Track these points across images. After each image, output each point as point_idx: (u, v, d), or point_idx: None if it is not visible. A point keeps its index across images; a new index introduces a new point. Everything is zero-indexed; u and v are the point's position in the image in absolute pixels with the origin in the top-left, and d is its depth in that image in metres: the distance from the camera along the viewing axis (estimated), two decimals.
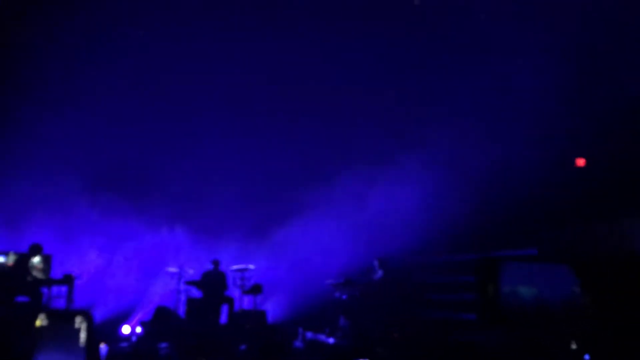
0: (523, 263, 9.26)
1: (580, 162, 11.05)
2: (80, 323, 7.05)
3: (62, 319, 7.31)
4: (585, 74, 10.12)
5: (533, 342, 7.97)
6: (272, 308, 11.96)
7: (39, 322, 7.13)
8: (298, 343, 10.08)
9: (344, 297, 10.95)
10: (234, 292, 11.27)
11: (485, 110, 11.14)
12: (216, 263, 11.38)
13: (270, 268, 12.24)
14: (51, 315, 7.41)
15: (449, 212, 10.88)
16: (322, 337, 10.56)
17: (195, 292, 11.23)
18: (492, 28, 10.99)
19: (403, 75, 12.04)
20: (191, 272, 11.45)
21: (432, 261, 11.98)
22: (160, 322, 10.20)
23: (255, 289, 11.19)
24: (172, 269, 11.45)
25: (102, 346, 7.62)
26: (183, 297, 11.19)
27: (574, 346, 7.89)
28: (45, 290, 10.21)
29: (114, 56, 11.84)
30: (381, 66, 12.12)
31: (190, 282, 11.20)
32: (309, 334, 10.52)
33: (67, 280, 10.31)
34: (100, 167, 12.07)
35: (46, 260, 10.60)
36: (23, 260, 10.27)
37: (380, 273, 11.15)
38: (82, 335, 7.20)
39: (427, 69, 11.80)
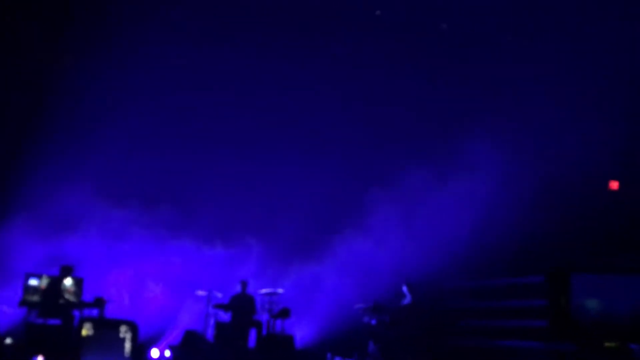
0: (593, 275, 9.09)
1: (614, 185, 10.89)
2: (125, 332, 7.07)
3: (107, 328, 7.32)
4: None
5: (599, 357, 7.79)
6: (300, 332, 11.87)
7: (84, 331, 7.15)
8: None
9: (373, 322, 10.82)
10: (262, 316, 11.23)
11: (533, 128, 11.00)
12: (244, 284, 11.38)
13: (299, 292, 12.18)
14: (96, 324, 7.45)
15: (486, 235, 10.74)
16: None
17: (224, 316, 11.23)
18: (538, 42, 10.98)
19: (456, 91, 11.88)
20: (220, 296, 11.46)
21: (466, 286, 11.78)
22: (189, 346, 10.21)
23: (284, 313, 11.13)
24: (201, 292, 11.48)
25: None
26: (212, 321, 11.19)
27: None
28: (77, 313, 10.32)
29: (162, 71, 11.96)
30: (428, 87, 11.95)
31: (218, 306, 11.20)
32: (338, 359, 10.41)
33: (98, 303, 10.41)
34: (132, 188, 12.16)
35: (78, 283, 10.73)
36: (55, 283, 10.42)
37: (409, 298, 10.99)
38: (127, 345, 7.21)
39: (473, 84, 11.63)
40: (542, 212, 10.42)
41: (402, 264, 11.46)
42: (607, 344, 8.28)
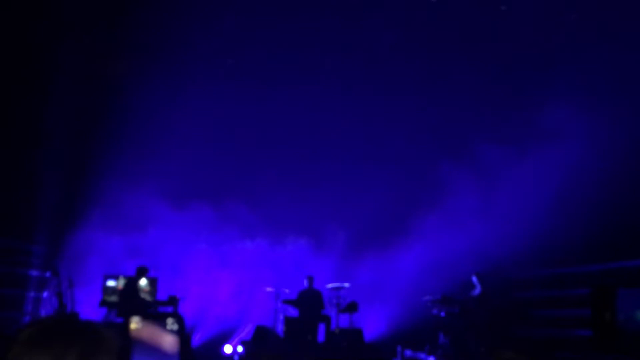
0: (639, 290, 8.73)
1: None
2: (172, 325, 7.26)
3: (155, 321, 7.54)
4: None
5: None
6: (369, 326, 11.88)
7: (133, 325, 7.40)
8: None
9: (442, 314, 10.70)
10: (330, 311, 11.31)
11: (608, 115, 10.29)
12: (310, 279, 11.49)
13: (365, 286, 12.17)
14: (145, 318, 7.70)
15: (554, 224, 10.33)
16: (421, 355, 10.36)
17: (293, 311, 11.39)
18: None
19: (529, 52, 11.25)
20: (287, 292, 11.63)
21: (535, 275, 11.44)
22: (260, 341, 10.42)
23: (351, 307, 11.18)
24: (269, 289, 11.68)
25: None
26: (281, 316, 11.37)
27: None
28: (152, 311, 10.71)
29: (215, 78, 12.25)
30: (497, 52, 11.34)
31: (287, 301, 11.37)
32: (408, 352, 10.35)
33: (172, 301, 10.78)
34: (202, 189, 12.46)
35: (152, 282, 11.14)
36: (131, 283, 10.86)
37: (479, 289, 10.80)
38: (175, 338, 7.38)
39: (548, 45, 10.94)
40: (605, 203, 9.62)
41: (474, 254, 11.17)
42: None
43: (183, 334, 7.78)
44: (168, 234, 12.37)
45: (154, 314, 9.45)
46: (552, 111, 10.46)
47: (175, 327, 7.54)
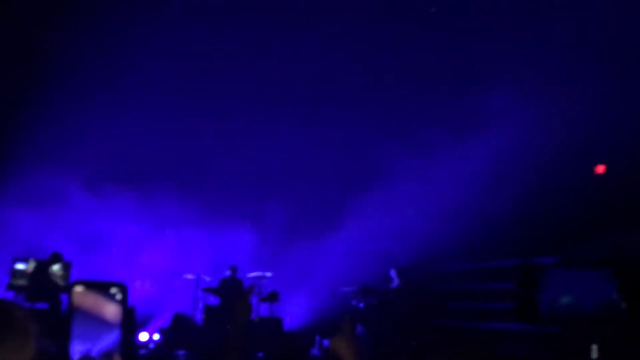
0: (562, 270, 9.15)
1: (600, 169, 10.81)
2: (115, 294, 7.02)
3: (98, 290, 7.27)
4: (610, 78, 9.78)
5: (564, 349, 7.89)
6: (289, 316, 11.93)
7: (74, 291, 7.12)
8: (315, 351, 10.04)
9: (360, 305, 10.89)
10: (251, 300, 11.23)
11: (517, 115, 10.59)
12: (234, 269, 11.39)
13: (287, 275, 12.20)
14: (87, 285, 7.41)
15: (469, 219, 10.69)
16: None
17: (213, 300, 11.25)
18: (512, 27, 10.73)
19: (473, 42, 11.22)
20: (208, 280, 11.47)
21: (452, 269, 11.85)
22: (178, 329, 10.23)
23: (272, 297, 11.18)
24: (189, 276, 11.48)
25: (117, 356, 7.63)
26: (200, 305, 11.21)
27: (594, 354, 7.76)
28: (64, 297, 10.29)
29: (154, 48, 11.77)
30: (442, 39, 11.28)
31: (207, 289, 11.22)
32: (326, 342, 10.47)
33: None
34: (121, 168, 12.03)
35: (65, 267, 10.69)
36: (43, 267, 10.38)
37: (397, 281, 11.07)
38: (118, 307, 7.14)
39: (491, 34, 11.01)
40: (521, 199, 9.95)
41: (401, 244, 11.30)
42: None
43: (126, 304, 7.55)
44: (85, 218, 11.90)
45: (97, 282, 9.09)
46: (492, 98, 10.54)
47: (119, 296, 7.26)
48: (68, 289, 8.71)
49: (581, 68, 9.89)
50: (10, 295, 10.44)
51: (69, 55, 11.15)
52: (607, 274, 8.54)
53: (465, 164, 11.00)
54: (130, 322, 8.17)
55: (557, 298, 8.78)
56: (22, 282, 10.46)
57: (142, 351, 9.75)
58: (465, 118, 11.15)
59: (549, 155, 9.99)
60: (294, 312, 12.19)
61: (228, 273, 11.37)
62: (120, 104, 11.72)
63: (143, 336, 10.30)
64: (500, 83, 10.62)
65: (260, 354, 9.33)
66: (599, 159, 10.29)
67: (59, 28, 11.18)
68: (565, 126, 9.80)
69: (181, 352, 9.48)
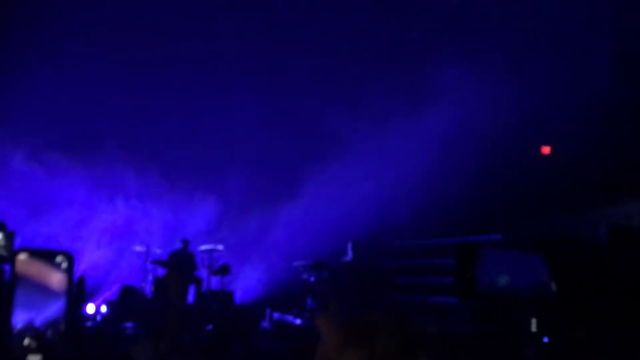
0: (500, 251, 9.32)
1: (546, 149, 11.09)
2: (61, 262, 6.86)
3: (42, 258, 7.08)
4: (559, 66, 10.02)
5: (501, 327, 8.13)
6: (240, 289, 11.96)
7: (18, 259, 6.91)
8: (265, 323, 10.12)
9: (311, 279, 10.99)
10: (202, 273, 11.22)
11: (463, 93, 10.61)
12: (186, 243, 11.30)
13: (239, 248, 12.18)
14: (31, 253, 7.20)
15: (420, 197, 10.81)
16: (289, 318, 10.60)
17: (163, 272, 11.14)
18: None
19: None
20: (158, 252, 11.35)
21: (403, 245, 12.05)
22: (126, 301, 10.10)
23: (223, 270, 11.15)
24: (139, 248, 11.32)
25: None
26: (150, 277, 11.09)
27: (533, 328, 8.06)
28: (7, 267, 9.98)
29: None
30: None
31: (157, 262, 11.09)
32: (277, 315, 10.56)
33: None
34: (71, 133, 11.65)
35: (9, 236, 10.34)
36: None
37: (350, 255, 11.20)
38: (63, 275, 6.97)
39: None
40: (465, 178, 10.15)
41: (356, 218, 11.31)
42: None
43: (72, 273, 7.38)
44: (31, 185, 11.54)
45: (42, 250, 8.90)
46: (447, 70, 10.59)
47: (65, 265, 7.07)
48: (11, 257, 8.43)
49: (535, 45, 10.08)
50: None
51: (15, 20, 10.69)
52: (545, 256, 8.79)
53: (419, 136, 11.10)
54: (80, 292, 8.01)
55: (495, 278, 8.99)
56: None
57: (89, 323, 9.60)
58: (421, 90, 11.19)
59: (499, 132, 10.10)
60: (247, 286, 12.22)
61: (179, 246, 11.27)
62: (69, 71, 11.33)
63: (90, 308, 10.15)
64: (455, 55, 10.73)
65: (209, 327, 9.33)
66: (546, 139, 10.57)
67: None
68: (516, 102, 10.00)
69: (129, 324, 9.38)
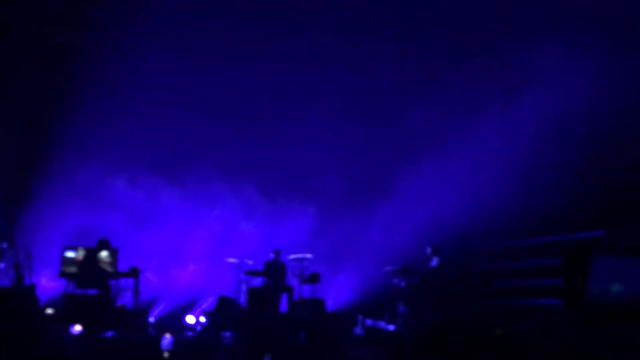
0: (614, 257, 8.69)
1: None
2: None
3: None
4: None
5: (617, 339, 7.59)
6: (331, 297, 12.03)
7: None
8: (358, 330, 10.12)
9: (402, 284, 10.90)
10: (293, 282, 11.40)
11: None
12: (277, 252, 11.54)
13: (329, 256, 12.26)
14: None
15: (512, 195, 10.35)
16: (381, 324, 10.56)
17: (256, 282, 11.44)
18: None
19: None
20: (250, 263, 11.65)
21: (496, 246, 11.67)
22: (223, 311, 10.46)
23: (314, 278, 11.29)
24: (232, 260, 11.67)
25: (167, 336, 7.87)
26: (244, 287, 11.40)
27: None
28: (113, 282, 10.63)
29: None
30: None
31: (251, 272, 11.42)
32: (369, 321, 10.54)
33: (133, 273, 10.73)
34: (167, 156, 12.31)
35: (113, 253, 11.02)
36: (91, 254, 10.73)
37: (435, 260, 11.00)
38: None
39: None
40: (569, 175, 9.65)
41: (439, 222, 11.06)
42: None
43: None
44: (128, 204, 12.22)
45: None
46: (541, 55, 10.08)
47: None
48: (115, 276, 9.10)
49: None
50: (62, 282, 10.86)
51: (109, 47, 11.41)
52: None
53: (514, 128, 10.57)
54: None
55: (607, 285, 8.34)
56: (72, 269, 10.84)
57: (189, 333, 10.02)
58: (514, 77, 10.64)
59: (601, 120, 9.43)
60: (337, 293, 12.28)
61: (272, 256, 11.53)
62: (160, 98, 11.91)
63: (190, 319, 10.59)
64: (550, 40, 10.11)
65: (302, 335, 9.46)
66: None
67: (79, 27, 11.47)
68: (620, 86, 9.24)
69: (227, 334, 9.71)
